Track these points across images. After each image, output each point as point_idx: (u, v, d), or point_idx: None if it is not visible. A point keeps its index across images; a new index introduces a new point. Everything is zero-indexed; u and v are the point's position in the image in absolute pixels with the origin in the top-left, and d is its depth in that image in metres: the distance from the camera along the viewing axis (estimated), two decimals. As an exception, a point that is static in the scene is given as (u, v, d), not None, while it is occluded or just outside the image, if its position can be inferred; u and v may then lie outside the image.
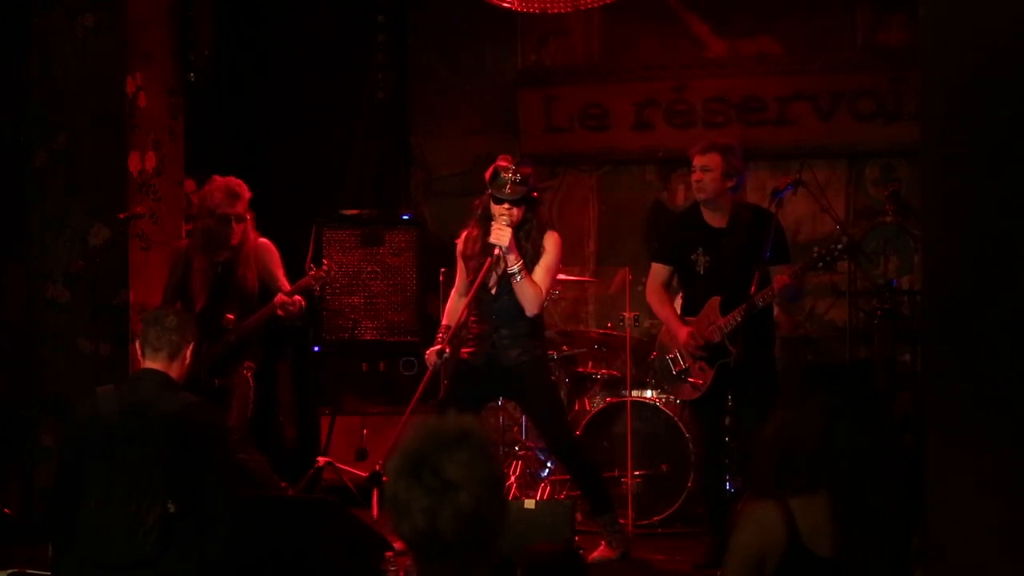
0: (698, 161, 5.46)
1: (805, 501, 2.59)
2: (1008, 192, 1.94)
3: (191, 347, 4.11)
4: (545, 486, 6.36)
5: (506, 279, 5.33)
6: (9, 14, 6.47)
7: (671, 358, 5.55)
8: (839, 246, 5.24)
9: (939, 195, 2.06)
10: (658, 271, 5.65)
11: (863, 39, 7.57)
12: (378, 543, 4.66)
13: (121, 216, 6.11)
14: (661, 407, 6.25)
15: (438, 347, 5.41)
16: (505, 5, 5.90)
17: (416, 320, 7.29)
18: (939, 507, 2.02)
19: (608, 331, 6.85)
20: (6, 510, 6.16)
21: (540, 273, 5.35)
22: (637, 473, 6.08)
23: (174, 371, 4.05)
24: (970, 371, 1.98)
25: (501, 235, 5.25)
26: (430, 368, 5.41)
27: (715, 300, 5.37)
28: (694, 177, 5.48)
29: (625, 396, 6.23)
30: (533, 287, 5.30)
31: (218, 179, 5.90)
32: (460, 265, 5.60)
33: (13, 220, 6.51)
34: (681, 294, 5.73)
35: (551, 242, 5.42)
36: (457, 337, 5.53)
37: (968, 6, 2.00)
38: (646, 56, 7.85)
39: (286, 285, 5.90)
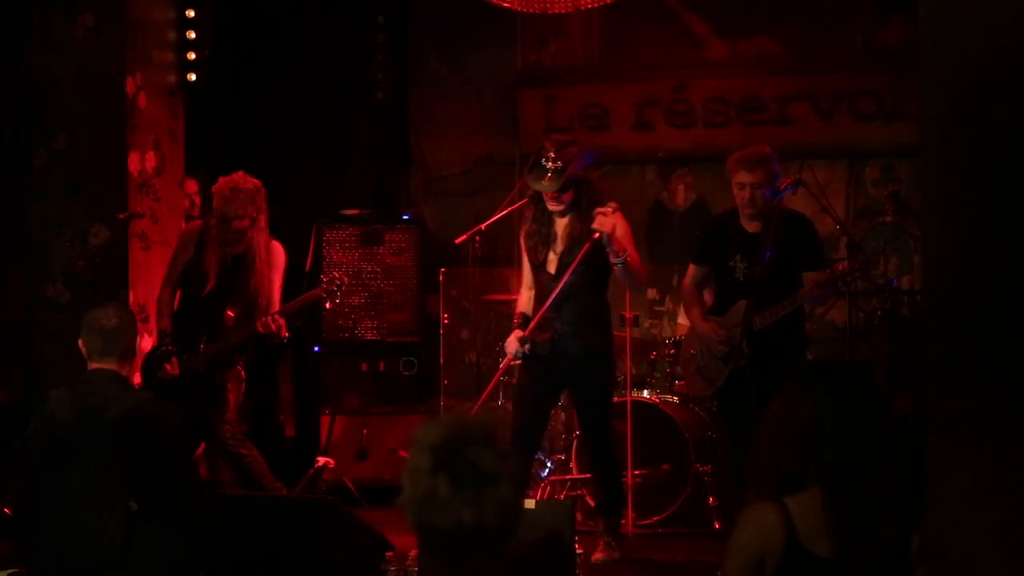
0: (747, 178, 5.28)
1: (803, 502, 2.59)
2: (1008, 192, 1.93)
3: (137, 338, 4.10)
4: (545, 486, 6.35)
5: (567, 260, 5.19)
6: (9, 14, 6.47)
7: (692, 353, 5.53)
8: (857, 268, 5.30)
9: (939, 195, 2.06)
10: (694, 271, 5.58)
11: (863, 39, 7.57)
12: (378, 543, 4.65)
13: (121, 216, 6.11)
14: (661, 407, 6.25)
15: (519, 333, 5.27)
16: (505, 5, 5.90)
17: (416, 320, 7.29)
18: (939, 507, 2.02)
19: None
20: (6, 510, 6.16)
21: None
22: (637, 473, 6.08)
23: (126, 369, 4.06)
24: (970, 371, 1.98)
25: (606, 222, 5.07)
26: (510, 354, 5.28)
27: (742, 304, 5.26)
28: (744, 194, 5.28)
29: (625, 396, 6.22)
30: (637, 266, 5.19)
31: (232, 176, 5.78)
32: (526, 261, 5.44)
33: (13, 220, 6.52)
34: (714, 293, 5.66)
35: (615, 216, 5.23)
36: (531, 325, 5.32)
37: (968, 6, 2.00)
38: (646, 56, 7.86)
39: (277, 295, 5.83)
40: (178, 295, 5.95)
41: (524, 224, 5.42)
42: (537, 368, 5.33)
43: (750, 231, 5.37)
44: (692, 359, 5.53)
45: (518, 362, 5.36)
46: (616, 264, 5.14)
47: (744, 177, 5.29)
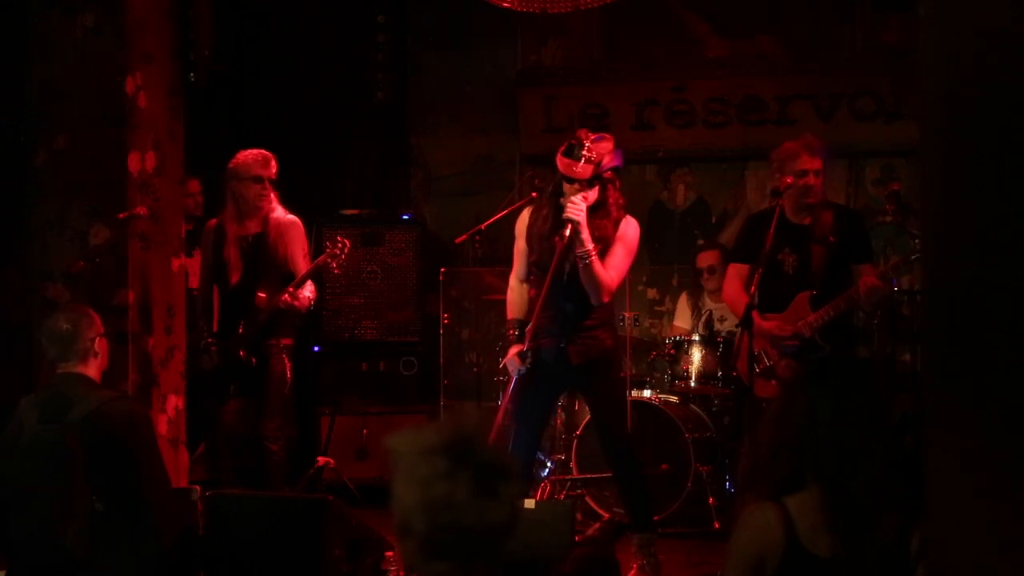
0: (810, 164, 5.20)
1: (802, 501, 2.59)
2: (1008, 192, 1.93)
3: (98, 339, 4.08)
4: (545, 486, 6.35)
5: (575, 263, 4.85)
6: (9, 14, 6.47)
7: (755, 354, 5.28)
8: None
9: (939, 195, 2.05)
10: (739, 270, 5.41)
11: (863, 39, 7.58)
12: (378, 543, 4.66)
13: (121, 216, 6.11)
14: (661, 407, 6.25)
15: (518, 348, 4.94)
16: (505, 5, 5.89)
17: (416, 320, 7.29)
18: (939, 507, 2.02)
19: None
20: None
21: (613, 259, 4.90)
22: (637, 473, 6.06)
23: (92, 370, 4.07)
24: (970, 371, 1.98)
25: (576, 210, 4.76)
26: (512, 373, 4.97)
27: (805, 295, 5.20)
28: (806, 181, 5.19)
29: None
30: (602, 274, 4.83)
31: (247, 150, 6.02)
32: (519, 247, 5.10)
33: (13, 220, 6.52)
34: (755, 292, 5.55)
35: (628, 227, 4.99)
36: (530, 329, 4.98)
37: (968, 6, 2.00)
38: (646, 56, 7.86)
39: (303, 265, 5.90)
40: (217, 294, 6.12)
41: (534, 220, 5.05)
42: (540, 374, 4.98)
43: (797, 223, 5.28)
44: (756, 360, 5.20)
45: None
46: (579, 258, 4.80)
47: (808, 163, 5.21)
